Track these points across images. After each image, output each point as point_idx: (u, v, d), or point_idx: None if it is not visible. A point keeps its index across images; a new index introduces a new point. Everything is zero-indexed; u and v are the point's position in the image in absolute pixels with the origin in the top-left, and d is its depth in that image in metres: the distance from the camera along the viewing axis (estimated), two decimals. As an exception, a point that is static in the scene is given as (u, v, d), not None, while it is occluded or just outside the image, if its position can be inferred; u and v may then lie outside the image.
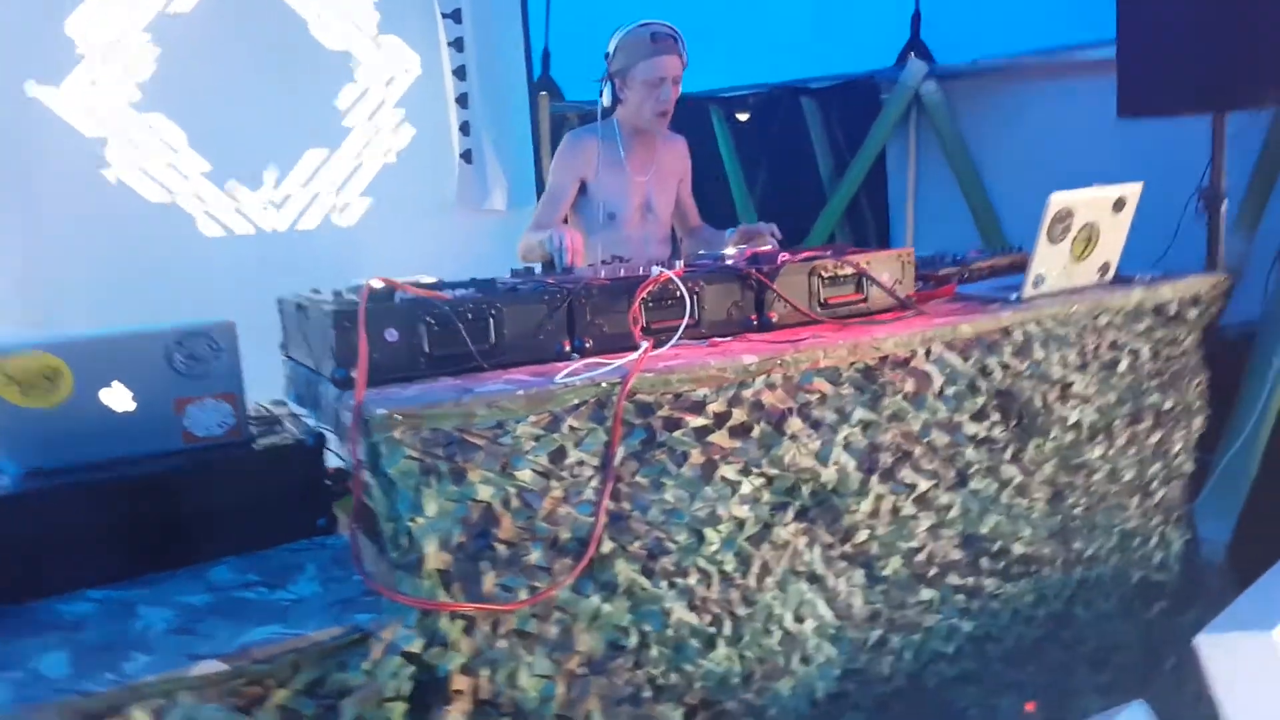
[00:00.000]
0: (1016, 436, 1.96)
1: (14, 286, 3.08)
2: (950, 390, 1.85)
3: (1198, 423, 2.32)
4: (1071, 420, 2.03)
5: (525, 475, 1.43)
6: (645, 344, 1.64)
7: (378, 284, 1.60)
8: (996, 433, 1.92)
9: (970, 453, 1.89)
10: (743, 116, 4.61)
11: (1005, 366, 1.91)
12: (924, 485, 1.83)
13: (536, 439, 1.44)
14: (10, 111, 3.07)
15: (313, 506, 1.65)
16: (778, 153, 4.54)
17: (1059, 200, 1.94)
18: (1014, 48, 3.79)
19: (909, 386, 1.80)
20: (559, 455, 1.46)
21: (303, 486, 1.63)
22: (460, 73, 3.72)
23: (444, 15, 3.66)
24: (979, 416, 1.89)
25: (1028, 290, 2.02)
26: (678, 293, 1.76)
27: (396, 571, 1.36)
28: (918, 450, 1.82)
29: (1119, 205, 2.07)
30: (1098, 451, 2.10)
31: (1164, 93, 2.56)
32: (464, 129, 3.76)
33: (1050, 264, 2.03)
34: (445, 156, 3.77)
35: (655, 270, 1.79)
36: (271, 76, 3.45)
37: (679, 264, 1.99)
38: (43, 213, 3.14)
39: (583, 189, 2.63)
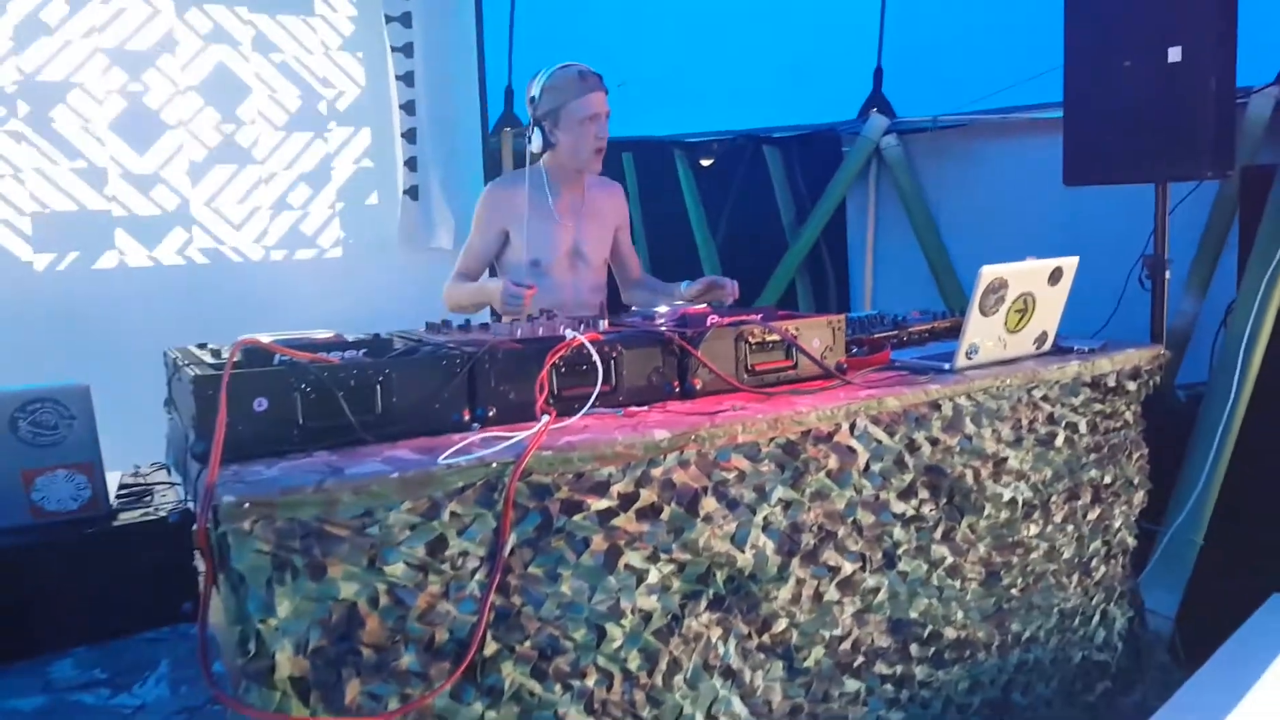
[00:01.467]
0: (947, 515, 1.81)
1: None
2: (876, 466, 1.70)
3: (1139, 497, 2.19)
4: (1006, 497, 1.89)
5: (397, 569, 1.25)
6: (546, 418, 1.47)
7: (250, 344, 1.43)
8: (926, 511, 1.78)
9: (898, 532, 1.74)
10: (706, 162, 4.53)
11: (934, 441, 1.77)
12: (849, 568, 1.68)
13: (412, 528, 1.27)
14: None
15: (177, 590, 1.47)
16: (740, 199, 4.47)
17: (991, 272, 1.81)
18: (973, 106, 3.73)
19: (832, 463, 1.65)
20: (438, 545, 1.28)
21: (166, 568, 1.45)
22: (409, 107, 3.58)
23: (394, 49, 3.53)
24: (907, 494, 1.75)
25: (960, 361, 1.88)
26: (592, 358, 1.61)
27: (244, 680, 1.18)
28: (842, 530, 1.67)
29: (1055, 277, 1.95)
30: (1034, 529, 1.96)
31: (1108, 163, 2.49)
32: (410, 165, 3.61)
33: (984, 335, 1.90)
34: (390, 193, 3.61)
35: (569, 334, 1.63)
36: (211, 107, 3.29)
37: (602, 324, 1.85)
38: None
39: (506, 238, 2.51)
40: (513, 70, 4.24)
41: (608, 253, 2.64)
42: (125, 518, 1.44)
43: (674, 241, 4.36)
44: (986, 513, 1.87)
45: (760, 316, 1.86)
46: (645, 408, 1.65)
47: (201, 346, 1.70)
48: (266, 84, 3.39)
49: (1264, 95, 2.97)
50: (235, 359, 1.41)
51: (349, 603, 1.22)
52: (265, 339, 1.58)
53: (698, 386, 1.73)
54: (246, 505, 1.17)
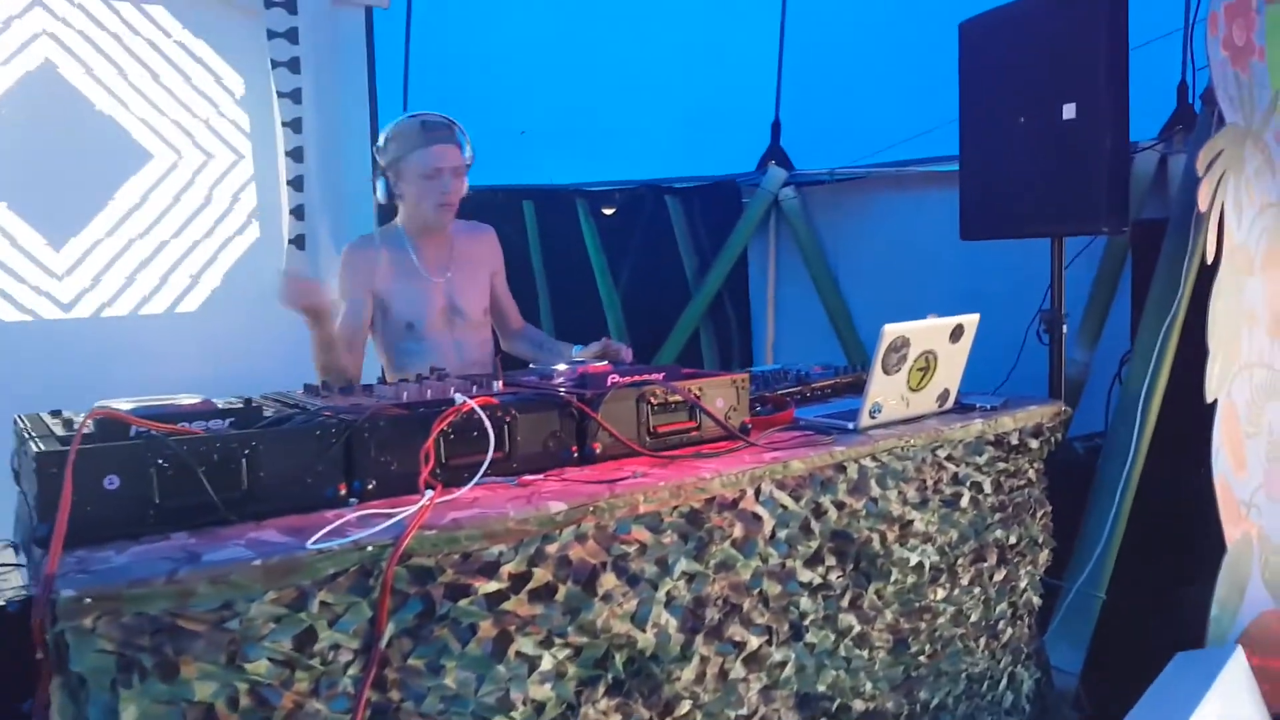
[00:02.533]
0: (854, 581, 1.82)
1: None
2: (782, 533, 1.69)
3: (1043, 556, 2.24)
4: (913, 561, 1.91)
5: (260, 666, 1.17)
6: (430, 492, 1.41)
7: (104, 414, 1.34)
8: (833, 578, 1.78)
9: (805, 602, 1.73)
10: (608, 211, 4.57)
11: (840, 505, 1.78)
12: (754, 642, 1.65)
13: (277, 619, 1.19)
14: None
15: (15, 687, 1.33)
16: (643, 248, 4.52)
17: (893, 331, 1.85)
18: (869, 159, 3.87)
19: (737, 531, 1.63)
20: (307, 638, 1.21)
21: (2, 662, 1.32)
22: (296, 154, 3.47)
23: (281, 95, 3.42)
24: (813, 561, 1.75)
25: (864, 420, 1.91)
26: (483, 424, 1.56)
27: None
28: (747, 603, 1.65)
29: (956, 334, 2.01)
30: (941, 593, 1.98)
31: (1004, 217, 2.59)
32: (297, 213, 3.48)
33: (887, 393, 1.93)
34: (274, 242, 3.48)
35: (458, 398, 1.58)
36: (82, 152, 3.13)
37: (497, 384, 1.81)
38: None
39: (376, 301, 2.41)
40: (407, 118, 4.22)
41: (487, 303, 2.55)
42: (-44, 608, 1.31)
43: (576, 290, 4.37)
44: (894, 578, 1.88)
45: (663, 375, 1.85)
46: (541, 475, 1.60)
47: (55, 414, 1.59)
48: (143, 127, 3.25)
49: (1149, 152, 3.17)
50: (85, 431, 1.32)
51: (205, 705, 1.13)
52: (124, 405, 1.48)
53: (598, 451, 1.70)
54: (88, 600, 1.08)
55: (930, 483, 1.96)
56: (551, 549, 1.41)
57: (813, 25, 4.03)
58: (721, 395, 1.85)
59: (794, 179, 4.15)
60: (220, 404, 1.61)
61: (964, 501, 2.02)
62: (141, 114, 3.23)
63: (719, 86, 4.09)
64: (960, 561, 2.02)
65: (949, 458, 2.01)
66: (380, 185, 2.36)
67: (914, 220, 3.80)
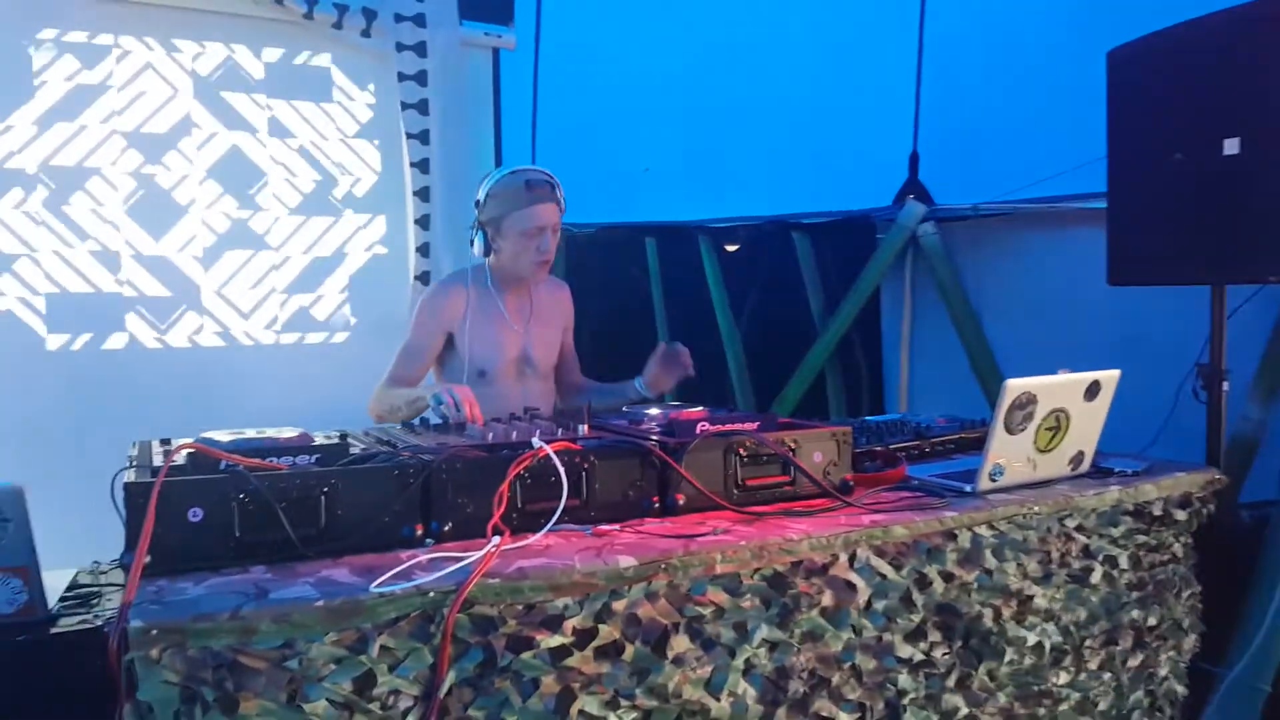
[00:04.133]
0: (962, 659, 1.71)
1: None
2: (879, 604, 1.61)
3: (1189, 642, 2.05)
4: (1031, 641, 1.78)
5: (319, 707, 1.20)
6: (497, 539, 1.43)
7: (196, 449, 1.43)
8: (937, 655, 1.68)
9: (904, 679, 1.64)
10: (731, 247, 4.57)
11: (948, 576, 1.68)
12: (845, 719, 1.57)
13: (338, 661, 1.22)
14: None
15: (116, 704, 1.43)
16: (766, 286, 4.49)
17: (1017, 387, 1.75)
18: (1015, 193, 3.70)
19: (827, 599, 1.57)
20: (367, 682, 1.24)
21: (106, 679, 1.42)
22: (423, 194, 3.65)
23: (410, 136, 3.62)
24: (915, 636, 1.65)
25: (983, 483, 1.80)
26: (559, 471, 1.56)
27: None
28: (837, 677, 1.57)
29: (1092, 391, 1.87)
30: (1064, 677, 1.84)
31: (1157, 262, 2.41)
32: (423, 250, 3.66)
33: (1010, 455, 1.82)
34: (402, 278, 3.67)
35: (536, 443, 1.59)
36: (224, 191, 3.41)
37: (583, 429, 1.82)
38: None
39: (449, 343, 2.48)
40: (536, 157, 4.37)
41: (556, 359, 2.62)
42: (65, 624, 1.42)
43: (697, 328, 4.37)
44: (1009, 658, 1.76)
45: (757, 425, 1.81)
46: (618, 526, 1.59)
47: (165, 442, 1.70)
48: (281, 169, 3.51)
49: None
50: (173, 464, 1.40)
51: (262, 743, 1.17)
52: (223, 437, 1.58)
53: (680, 502, 1.68)
54: (154, 632, 1.15)
55: (1056, 555, 1.83)
56: (619, 606, 1.39)
57: (952, 53, 3.91)
58: (820, 449, 1.80)
59: (934, 214, 4.01)
60: (320, 438, 1.69)
61: (1095, 577, 1.88)
62: (283, 158, 3.49)
63: (853, 119, 4.02)
64: (1088, 643, 1.87)
65: (1079, 528, 1.87)
66: (479, 239, 2.43)
67: (1066, 259, 3.60)
